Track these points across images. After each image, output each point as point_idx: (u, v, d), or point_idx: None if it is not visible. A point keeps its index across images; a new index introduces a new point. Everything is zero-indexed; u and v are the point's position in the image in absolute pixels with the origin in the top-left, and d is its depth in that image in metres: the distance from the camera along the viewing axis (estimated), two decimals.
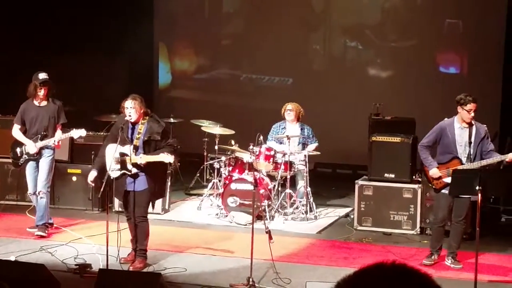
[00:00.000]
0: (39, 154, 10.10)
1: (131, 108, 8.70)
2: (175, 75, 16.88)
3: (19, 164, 10.24)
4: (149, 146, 8.70)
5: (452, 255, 9.22)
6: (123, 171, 8.69)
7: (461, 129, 9.00)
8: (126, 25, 15.20)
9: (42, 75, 10.05)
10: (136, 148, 8.67)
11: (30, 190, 10.28)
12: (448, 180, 8.98)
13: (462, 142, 8.99)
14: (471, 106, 8.86)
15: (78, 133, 10.02)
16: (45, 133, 10.07)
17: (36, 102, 10.15)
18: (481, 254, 9.15)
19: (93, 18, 15.08)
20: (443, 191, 9.09)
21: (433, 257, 9.30)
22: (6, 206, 11.78)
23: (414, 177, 10.94)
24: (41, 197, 10.12)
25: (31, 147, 10.06)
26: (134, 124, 8.77)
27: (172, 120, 13.50)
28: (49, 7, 14.86)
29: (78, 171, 11.87)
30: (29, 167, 10.20)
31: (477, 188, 8.03)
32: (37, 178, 10.16)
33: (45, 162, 10.14)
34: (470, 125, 8.96)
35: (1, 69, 14.57)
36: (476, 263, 8.12)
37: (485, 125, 9.04)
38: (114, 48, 15.36)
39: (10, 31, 14.46)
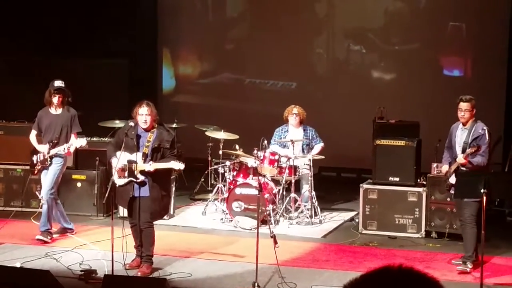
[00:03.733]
0: (51, 162, 10.15)
1: (146, 115, 8.71)
2: (179, 80, 16.88)
3: (35, 172, 10.32)
4: (157, 154, 8.71)
5: (464, 260, 9.13)
6: (130, 179, 8.71)
7: (462, 130, 9.08)
8: (130, 30, 15.22)
9: (58, 83, 10.18)
10: (145, 156, 8.68)
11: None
12: (451, 180, 9.05)
13: (460, 143, 9.04)
14: (460, 105, 9.01)
15: (79, 142, 10.09)
16: (56, 141, 10.12)
17: (52, 110, 10.27)
18: (487, 257, 9.14)
19: (96, 23, 15.11)
20: (451, 191, 9.19)
21: (467, 263, 9.08)
22: (11, 212, 11.79)
23: (418, 180, 10.94)
24: (42, 203, 10.20)
25: (43, 148, 10.13)
26: (146, 130, 8.77)
27: (175, 125, 13.48)
28: (53, 12, 14.89)
29: (83, 177, 11.88)
30: (43, 175, 10.30)
31: (482, 191, 8.02)
32: None
33: (52, 170, 10.19)
34: (471, 125, 8.97)
35: (3, 75, 14.60)
36: (482, 265, 8.11)
37: (485, 127, 8.97)
38: (118, 53, 15.38)
39: (13, 36, 14.48)
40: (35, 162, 10.25)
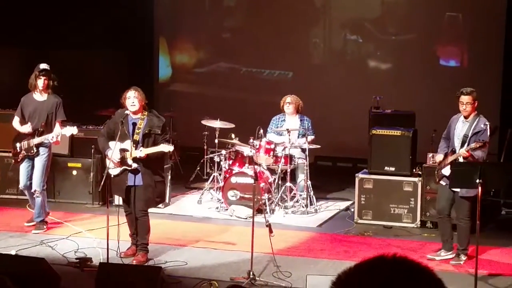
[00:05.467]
0: (36, 151, 10.06)
1: (134, 98, 8.75)
2: (175, 69, 16.86)
3: (18, 160, 10.23)
4: (148, 140, 8.72)
5: (458, 252, 9.17)
6: (123, 167, 8.71)
7: (463, 123, 9.00)
8: (126, 19, 15.18)
9: (43, 65, 10.06)
10: (136, 143, 8.68)
11: (21, 184, 10.27)
12: (444, 171, 9.02)
13: (460, 136, 8.99)
14: (462, 98, 8.90)
15: (70, 130, 9.91)
16: (42, 129, 10.02)
17: (36, 96, 10.11)
18: (482, 247, 9.15)
19: (93, 11, 15.08)
20: (441, 182, 9.16)
21: (440, 252, 9.23)
22: (7, 200, 11.79)
23: (414, 170, 10.94)
24: (36, 196, 10.10)
25: (26, 128, 10.02)
26: (134, 114, 8.77)
27: (169, 114, 13.46)
28: (46, 2, 14.85)
29: (78, 165, 11.87)
30: (24, 162, 10.18)
31: (477, 181, 8.02)
32: (31, 175, 10.14)
33: (39, 161, 10.08)
34: (473, 119, 8.92)
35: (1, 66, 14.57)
36: (477, 256, 8.12)
37: (487, 122, 8.93)
38: (114, 42, 15.36)
39: (7, 26, 14.44)
40: (18, 150, 10.14)
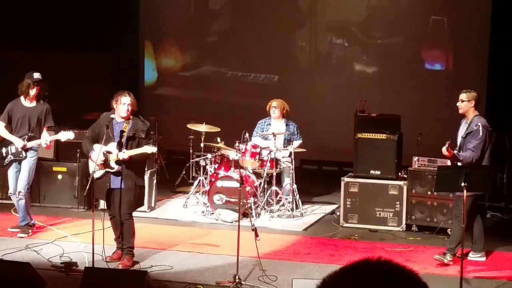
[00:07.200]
0: (25, 155, 9.99)
1: (128, 105, 8.74)
2: (161, 72, 16.84)
3: (4, 164, 10.15)
4: (132, 143, 8.72)
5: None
6: (106, 169, 8.70)
7: (464, 124, 9.19)
8: (112, 23, 15.16)
9: (37, 75, 9.99)
10: (120, 145, 8.67)
11: (11, 190, 10.20)
12: None
13: (459, 136, 9.12)
14: (460, 96, 9.14)
15: (66, 135, 9.87)
16: (32, 134, 9.98)
17: (24, 102, 10.06)
18: (467, 250, 9.19)
19: (78, 15, 15.04)
20: None
21: (446, 255, 9.17)
22: None
23: (399, 173, 10.97)
24: (20, 198, 10.02)
25: (18, 143, 9.97)
26: (124, 119, 8.76)
27: (155, 117, 13.44)
28: (32, 5, 14.80)
29: (64, 169, 11.83)
30: (12, 167, 10.12)
31: (462, 184, 8.03)
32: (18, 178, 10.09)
33: (27, 163, 10.03)
34: (472, 120, 9.03)
35: None
36: (462, 259, 8.15)
37: (480, 124, 8.96)
38: (100, 46, 15.32)
39: None
40: (4, 154, 10.06)
